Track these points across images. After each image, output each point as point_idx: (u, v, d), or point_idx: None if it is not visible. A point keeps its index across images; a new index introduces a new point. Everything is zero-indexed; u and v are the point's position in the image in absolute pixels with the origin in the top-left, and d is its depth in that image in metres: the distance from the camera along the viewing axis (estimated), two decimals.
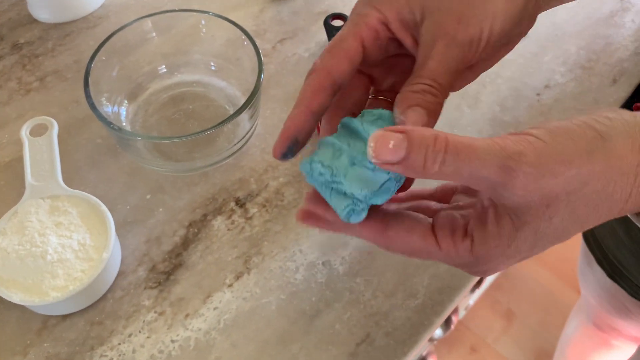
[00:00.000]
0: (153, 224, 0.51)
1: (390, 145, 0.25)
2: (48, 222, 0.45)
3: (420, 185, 0.35)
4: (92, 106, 0.48)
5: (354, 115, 0.33)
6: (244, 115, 0.50)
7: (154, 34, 0.57)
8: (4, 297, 0.42)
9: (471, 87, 0.60)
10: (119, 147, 0.54)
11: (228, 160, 0.53)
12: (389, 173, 0.29)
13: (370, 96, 0.35)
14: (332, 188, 0.29)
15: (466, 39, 0.30)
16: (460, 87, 0.35)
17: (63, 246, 0.44)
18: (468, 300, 1.32)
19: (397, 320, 0.46)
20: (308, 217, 0.31)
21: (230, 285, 0.48)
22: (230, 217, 0.51)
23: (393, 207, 0.33)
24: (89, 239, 0.45)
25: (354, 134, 0.30)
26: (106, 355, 0.44)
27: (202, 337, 0.45)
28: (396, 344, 0.45)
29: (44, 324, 0.45)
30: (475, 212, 0.29)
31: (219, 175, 0.54)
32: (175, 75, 0.59)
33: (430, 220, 0.30)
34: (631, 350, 0.92)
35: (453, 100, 0.59)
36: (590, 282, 0.81)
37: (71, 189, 0.48)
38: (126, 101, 0.56)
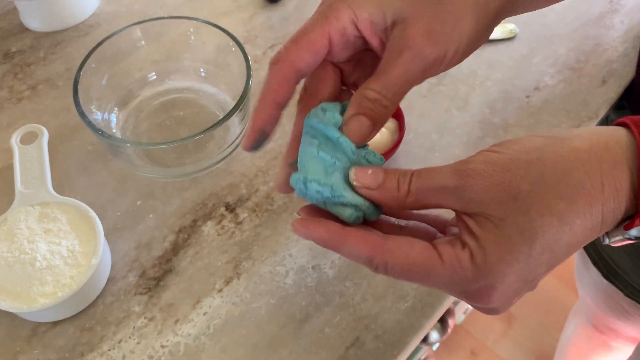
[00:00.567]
0: (143, 229, 0.51)
1: (369, 172, 0.30)
2: (37, 229, 0.46)
3: None
4: (82, 114, 0.48)
5: None
6: (234, 120, 0.50)
7: (144, 42, 0.57)
8: None
9: (461, 90, 0.60)
10: (109, 153, 0.54)
11: (218, 165, 0.54)
12: None
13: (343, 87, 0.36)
14: (332, 202, 0.31)
15: (432, 55, 0.30)
16: None
17: (52, 253, 0.44)
18: (467, 305, 1.31)
19: (387, 323, 0.46)
20: (305, 225, 0.31)
21: (220, 290, 0.48)
22: (220, 222, 0.51)
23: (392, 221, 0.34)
24: (78, 246, 0.45)
25: (336, 146, 0.31)
26: None
27: (192, 342, 0.45)
28: (386, 347, 0.45)
29: (34, 330, 0.45)
30: (462, 228, 0.29)
31: (209, 180, 0.54)
32: (165, 82, 0.59)
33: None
34: (630, 351, 0.92)
35: (442, 102, 0.59)
36: (587, 283, 0.81)
37: (60, 196, 0.48)
38: (117, 108, 0.56)
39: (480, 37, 0.32)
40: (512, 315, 1.54)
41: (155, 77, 0.59)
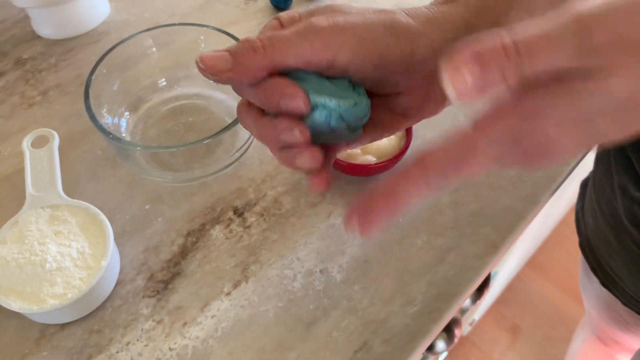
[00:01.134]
0: (152, 233, 0.51)
1: (467, 78, 0.23)
2: (48, 231, 0.46)
3: None
4: (92, 117, 0.49)
5: None
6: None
7: (154, 49, 0.58)
8: (3, 305, 0.42)
9: None
10: (119, 158, 0.55)
11: (226, 170, 0.54)
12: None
13: None
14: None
15: None
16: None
17: (62, 255, 0.44)
18: (473, 314, 1.31)
19: (395, 327, 0.46)
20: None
21: (228, 294, 0.48)
22: (228, 226, 0.52)
23: None
24: (87, 248, 0.46)
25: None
26: None
27: (200, 345, 0.45)
28: (394, 351, 0.45)
29: (43, 332, 0.46)
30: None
31: (217, 185, 0.54)
32: (174, 89, 0.60)
33: None
34: None
35: (450, 109, 0.59)
36: (589, 292, 0.81)
37: (71, 199, 0.49)
38: (127, 113, 0.57)
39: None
40: (517, 328, 1.53)
41: (165, 83, 0.59)
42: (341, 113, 0.31)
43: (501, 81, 0.23)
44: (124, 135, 0.55)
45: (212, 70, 0.30)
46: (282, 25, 0.33)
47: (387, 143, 0.52)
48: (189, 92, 0.60)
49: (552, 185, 0.54)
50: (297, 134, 0.30)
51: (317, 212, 0.52)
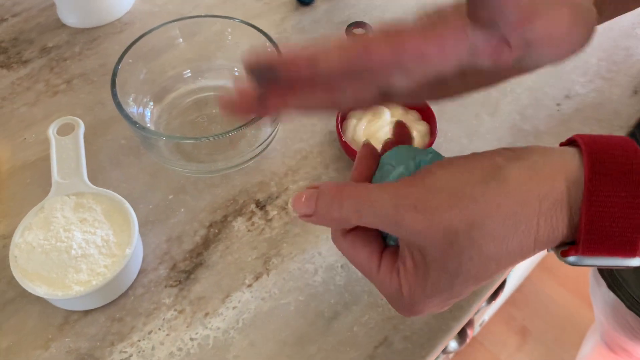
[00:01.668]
0: (174, 223, 0.51)
1: (303, 199, 0.30)
2: (73, 218, 0.46)
3: None
4: (119, 106, 0.49)
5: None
6: (266, 119, 0.51)
7: (180, 40, 0.58)
8: (29, 289, 0.43)
9: (491, 96, 0.60)
10: (143, 147, 0.55)
11: (249, 163, 0.54)
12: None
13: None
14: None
15: None
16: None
17: (87, 242, 0.45)
18: (483, 315, 1.30)
19: (416, 324, 0.46)
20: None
21: (249, 286, 0.48)
22: (250, 218, 0.52)
23: None
24: (112, 236, 0.46)
25: None
26: (126, 352, 0.44)
27: (221, 336, 0.45)
28: (414, 348, 0.45)
29: (66, 319, 0.46)
30: (400, 251, 0.30)
31: (239, 177, 0.54)
32: (199, 80, 0.60)
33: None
34: None
35: (473, 108, 0.59)
36: (598, 297, 0.81)
37: (96, 187, 0.49)
38: (152, 103, 0.57)
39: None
40: (527, 330, 1.52)
41: (190, 74, 0.59)
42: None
43: (324, 210, 0.30)
44: (148, 125, 0.55)
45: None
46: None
47: None
48: (213, 84, 0.60)
49: None
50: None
51: None
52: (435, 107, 0.55)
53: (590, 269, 0.82)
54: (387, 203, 0.28)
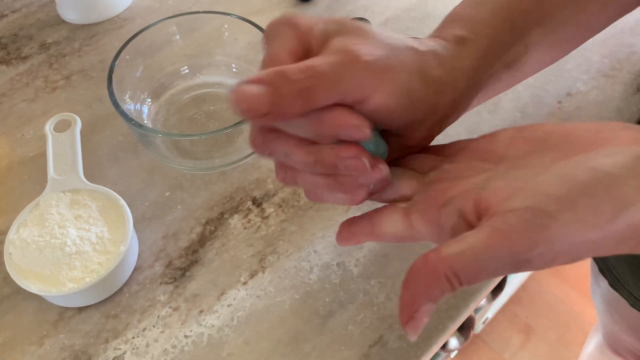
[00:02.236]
0: (171, 220, 0.51)
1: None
2: (68, 214, 0.46)
3: None
4: (115, 103, 0.49)
5: None
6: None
7: (178, 36, 0.58)
8: (23, 286, 0.43)
9: None
10: (140, 144, 0.55)
11: (246, 160, 0.54)
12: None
13: None
14: None
15: None
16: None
17: (82, 239, 0.45)
18: (486, 313, 1.30)
19: None
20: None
21: (244, 283, 0.48)
22: (246, 216, 0.52)
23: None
24: (107, 233, 0.46)
25: None
26: (120, 349, 0.44)
27: (215, 334, 0.45)
28: (409, 348, 0.45)
29: (60, 315, 0.46)
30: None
31: (236, 174, 0.54)
32: (197, 77, 0.60)
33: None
34: None
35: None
36: (598, 297, 0.80)
37: (91, 184, 0.49)
38: (149, 100, 0.57)
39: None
40: (531, 329, 1.52)
41: (187, 71, 0.59)
42: None
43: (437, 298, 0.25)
44: (145, 121, 0.55)
45: (250, 114, 0.26)
46: (298, 35, 0.30)
47: None
48: (211, 81, 0.60)
49: None
50: (365, 161, 0.29)
51: (335, 205, 0.52)
52: None
53: (590, 268, 0.81)
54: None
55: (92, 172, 0.53)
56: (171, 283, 0.48)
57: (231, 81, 0.60)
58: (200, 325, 0.46)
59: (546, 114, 0.58)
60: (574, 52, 0.63)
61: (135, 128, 0.48)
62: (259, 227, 0.51)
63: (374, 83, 0.28)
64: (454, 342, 0.83)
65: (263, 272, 0.48)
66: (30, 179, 0.54)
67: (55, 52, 0.65)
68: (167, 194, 0.53)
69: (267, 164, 0.55)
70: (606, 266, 0.69)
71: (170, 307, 0.46)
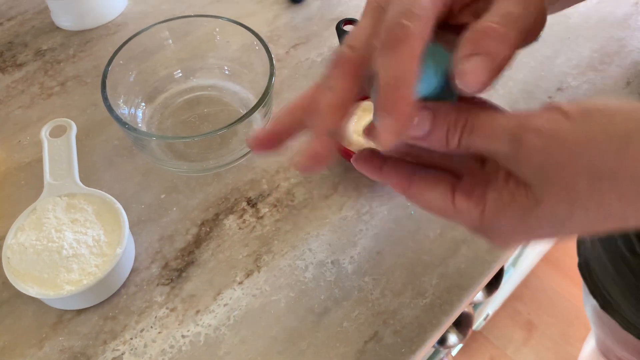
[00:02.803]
0: (166, 222, 0.52)
1: (415, 122, 0.27)
2: (64, 218, 0.47)
3: None
4: (109, 108, 0.49)
5: None
6: (257, 117, 0.51)
7: (170, 40, 0.58)
8: (21, 290, 0.43)
9: None
10: (135, 148, 0.55)
11: (241, 161, 0.54)
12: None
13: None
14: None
15: None
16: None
17: (78, 242, 0.45)
18: (486, 309, 1.30)
19: (406, 318, 0.46)
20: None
21: (240, 283, 0.48)
22: (241, 216, 0.52)
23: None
24: (103, 236, 0.46)
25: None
26: (118, 349, 0.45)
27: (212, 333, 0.46)
28: (404, 342, 0.45)
29: (59, 318, 0.47)
30: (495, 179, 0.28)
31: (231, 175, 0.55)
32: (190, 80, 0.61)
33: (452, 181, 0.29)
34: None
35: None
36: (590, 311, 0.79)
37: (87, 188, 0.49)
38: (143, 104, 0.57)
39: None
40: (533, 325, 1.52)
41: (180, 74, 0.60)
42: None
43: (443, 139, 0.27)
44: (140, 125, 0.56)
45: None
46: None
47: None
48: (204, 84, 0.60)
49: None
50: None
51: (329, 204, 0.52)
52: None
53: (582, 283, 0.80)
54: (503, 133, 0.25)
55: (88, 177, 0.54)
56: (168, 284, 0.48)
57: (224, 84, 0.60)
58: (197, 325, 0.46)
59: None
60: (564, 46, 0.64)
61: (129, 132, 0.48)
62: (254, 227, 0.51)
63: None
64: (453, 339, 0.84)
65: (258, 272, 0.49)
66: (27, 184, 0.54)
67: (50, 58, 0.65)
68: (163, 196, 0.53)
69: (262, 165, 0.55)
70: (597, 288, 0.68)
71: (167, 308, 0.47)
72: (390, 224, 0.51)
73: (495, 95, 0.60)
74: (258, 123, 0.53)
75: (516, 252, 1.09)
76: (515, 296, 1.53)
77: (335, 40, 0.66)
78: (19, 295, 0.47)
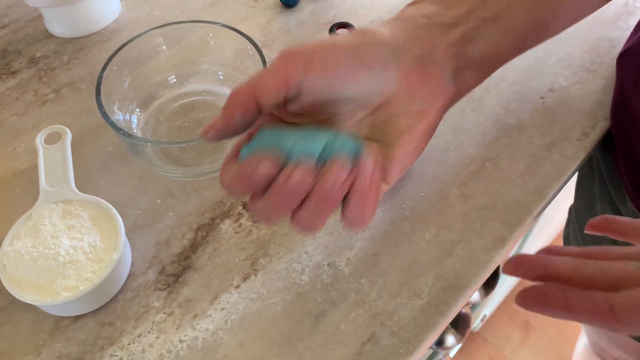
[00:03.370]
0: (163, 227, 0.52)
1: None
2: (60, 225, 0.47)
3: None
4: (104, 114, 0.50)
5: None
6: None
7: (164, 46, 0.58)
8: (17, 297, 0.43)
9: (475, 91, 0.60)
10: (130, 153, 0.56)
11: None
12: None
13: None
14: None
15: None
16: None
17: (74, 248, 0.45)
18: (484, 310, 1.31)
19: (402, 320, 0.46)
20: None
21: (237, 287, 0.48)
22: (237, 220, 0.52)
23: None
24: (99, 241, 0.46)
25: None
26: (116, 355, 0.45)
27: (210, 337, 0.46)
28: (401, 343, 0.45)
29: (56, 324, 0.47)
30: None
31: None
32: (185, 85, 0.61)
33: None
34: None
35: (457, 104, 0.59)
36: None
37: (83, 194, 0.49)
38: (138, 110, 0.58)
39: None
40: (530, 324, 1.52)
41: (175, 80, 0.60)
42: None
43: None
44: (135, 131, 0.56)
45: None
46: None
47: None
48: (198, 89, 0.61)
49: (562, 178, 0.54)
50: None
51: None
52: None
53: None
54: None
55: (84, 183, 0.54)
56: (165, 289, 0.48)
57: (218, 89, 0.60)
58: (195, 329, 0.46)
59: (530, 109, 0.59)
60: (555, 47, 0.64)
61: (124, 137, 0.49)
62: (250, 231, 0.52)
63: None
64: (450, 340, 0.84)
65: (255, 275, 0.49)
66: (22, 191, 0.54)
67: (44, 65, 0.65)
68: (159, 201, 0.54)
69: None
70: None
71: (164, 313, 0.47)
72: (386, 225, 0.51)
73: (488, 96, 0.60)
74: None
75: (512, 252, 1.10)
76: (512, 296, 1.53)
77: None
78: (15, 302, 0.47)
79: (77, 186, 0.51)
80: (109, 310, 0.47)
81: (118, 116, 0.54)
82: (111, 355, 0.45)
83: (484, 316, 1.39)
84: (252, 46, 0.55)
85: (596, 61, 0.63)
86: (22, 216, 0.48)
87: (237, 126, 0.34)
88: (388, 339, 0.46)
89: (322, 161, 0.32)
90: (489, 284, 0.77)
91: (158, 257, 0.50)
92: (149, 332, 0.46)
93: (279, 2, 0.71)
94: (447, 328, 0.82)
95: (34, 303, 0.43)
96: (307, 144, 0.32)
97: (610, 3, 0.67)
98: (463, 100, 0.59)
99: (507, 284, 1.38)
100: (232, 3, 0.72)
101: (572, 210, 0.80)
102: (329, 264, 0.49)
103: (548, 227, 1.20)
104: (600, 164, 0.66)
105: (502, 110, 0.59)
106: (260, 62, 0.53)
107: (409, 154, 0.35)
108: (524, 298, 0.33)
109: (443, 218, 0.52)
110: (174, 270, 0.49)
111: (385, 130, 0.35)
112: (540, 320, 1.53)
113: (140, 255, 0.50)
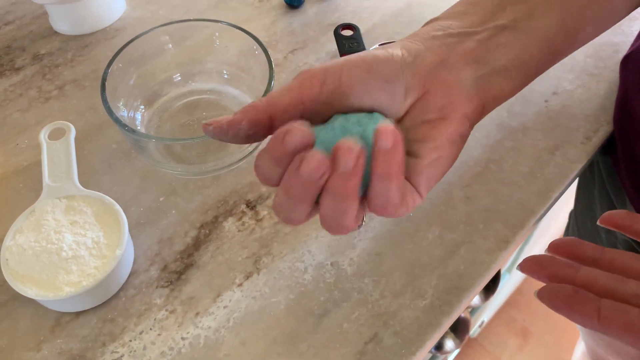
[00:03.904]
0: (165, 225, 0.52)
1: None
2: (64, 220, 0.47)
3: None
4: (109, 110, 0.50)
5: None
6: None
7: (170, 45, 0.58)
8: (19, 291, 0.43)
9: None
10: (134, 150, 0.55)
11: (239, 164, 0.54)
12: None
13: None
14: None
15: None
16: None
17: (77, 243, 0.45)
18: (482, 316, 1.31)
19: (405, 320, 0.46)
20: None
21: (240, 285, 0.48)
22: (240, 218, 0.52)
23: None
24: (102, 237, 0.46)
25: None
26: (117, 352, 0.45)
27: (212, 335, 0.46)
28: (404, 343, 0.45)
29: (58, 320, 0.46)
30: None
31: (230, 178, 0.55)
32: (189, 84, 0.61)
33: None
34: None
35: None
36: None
37: (86, 190, 0.49)
38: (142, 107, 0.58)
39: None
40: (528, 331, 1.52)
41: (179, 78, 0.60)
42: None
43: None
44: (139, 128, 0.56)
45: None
46: None
47: None
48: (203, 88, 0.61)
49: (565, 181, 0.54)
50: None
51: None
52: None
53: None
54: None
55: (87, 180, 0.54)
56: (167, 286, 0.48)
57: (223, 88, 0.60)
58: (197, 327, 0.46)
59: (533, 112, 0.59)
60: None
61: (128, 134, 0.49)
62: (253, 229, 0.51)
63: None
64: (449, 344, 0.84)
65: (258, 274, 0.49)
66: (25, 187, 0.54)
67: (48, 62, 0.65)
68: (162, 199, 0.53)
69: None
70: None
71: (166, 310, 0.47)
72: (389, 225, 0.51)
73: None
74: None
75: (512, 257, 1.10)
76: (510, 303, 1.53)
77: (332, 45, 0.66)
78: (16, 297, 0.47)
79: (80, 183, 0.50)
80: (110, 306, 0.47)
81: (122, 113, 0.54)
82: (112, 352, 0.45)
83: (482, 322, 1.39)
84: (257, 46, 0.55)
85: (599, 65, 0.63)
86: (25, 211, 0.48)
87: (240, 132, 0.33)
88: (391, 339, 0.45)
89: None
90: (489, 288, 0.77)
91: (161, 255, 0.50)
92: (150, 329, 0.46)
93: (284, 3, 0.72)
94: (446, 332, 0.82)
95: (36, 298, 0.43)
96: (346, 128, 0.32)
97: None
98: None
99: (506, 290, 1.38)
100: (237, 4, 0.73)
101: (572, 214, 0.80)
102: (332, 264, 0.49)
103: (547, 232, 1.20)
104: (601, 168, 0.67)
105: (505, 113, 0.59)
106: (266, 62, 0.53)
107: (434, 163, 0.33)
108: (551, 296, 0.32)
109: (447, 219, 0.52)
110: (176, 268, 0.49)
111: (407, 139, 0.34)
112: (538, 327, 1.53)
113: (142, 253, 0.50)
